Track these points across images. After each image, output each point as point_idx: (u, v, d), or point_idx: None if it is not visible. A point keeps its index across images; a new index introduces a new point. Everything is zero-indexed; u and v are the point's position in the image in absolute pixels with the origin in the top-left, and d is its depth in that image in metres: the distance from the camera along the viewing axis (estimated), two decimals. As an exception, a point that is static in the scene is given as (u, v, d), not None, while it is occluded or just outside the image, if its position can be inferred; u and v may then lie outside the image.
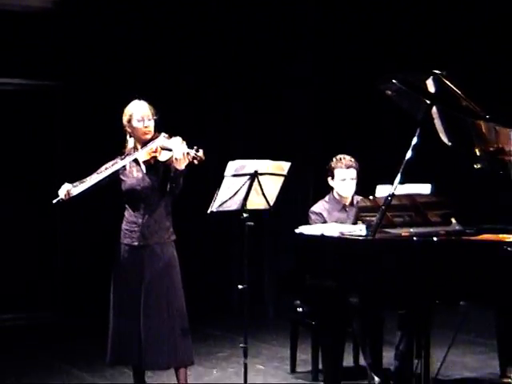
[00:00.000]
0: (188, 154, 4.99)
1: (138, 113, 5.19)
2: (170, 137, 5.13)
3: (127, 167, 5.22)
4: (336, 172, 5.92)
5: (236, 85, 8.52)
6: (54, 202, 5.12)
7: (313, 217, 5.92)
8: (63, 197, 5.11)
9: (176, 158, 5.00)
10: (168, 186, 5.16)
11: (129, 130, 5.22)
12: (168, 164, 5.10)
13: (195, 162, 5.02)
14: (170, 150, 5.03)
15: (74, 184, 5.12)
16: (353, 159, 5.97)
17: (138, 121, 5.18)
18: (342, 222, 5.75)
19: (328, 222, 5.80)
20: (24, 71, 8.06)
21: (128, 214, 5.25)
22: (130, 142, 5.26)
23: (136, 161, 5.21)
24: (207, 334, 7.37)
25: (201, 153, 5.01)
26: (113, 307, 5.22)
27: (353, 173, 5.94)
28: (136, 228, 5.19)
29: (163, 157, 5.10)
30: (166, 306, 5.15)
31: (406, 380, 5.62)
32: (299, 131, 8.63)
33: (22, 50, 8.00)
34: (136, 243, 5.17)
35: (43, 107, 8.20)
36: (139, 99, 5.24)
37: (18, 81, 8.10)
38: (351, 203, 5.98)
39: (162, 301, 5.14)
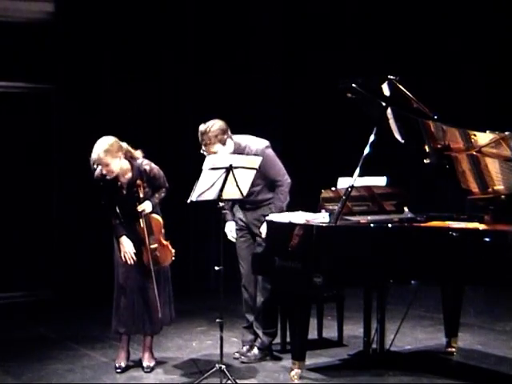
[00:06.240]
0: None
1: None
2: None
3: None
4: None
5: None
6: None
7: None
8: None
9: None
10: None
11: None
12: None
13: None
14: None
15: None
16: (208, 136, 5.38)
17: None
18: None
19: None
20: (24, 75, 7.97)
21: None
22: None
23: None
24: (187, 311, 7.33)
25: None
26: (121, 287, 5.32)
27: (209, 149, 5.37)
28: None
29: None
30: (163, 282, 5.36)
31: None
32: (269, 132, 8.58)
33: (22, 56, 7.91)
34: None
35: (40, 108, 8.10)
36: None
37: (19, 84, 8.01)
38: None
39: (160, 279, 5.32)
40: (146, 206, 5.24)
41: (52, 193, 8.00)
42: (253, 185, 5.19)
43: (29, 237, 8.01)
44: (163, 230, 5.35)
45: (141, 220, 5.21)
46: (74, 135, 7.81)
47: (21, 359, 5.75)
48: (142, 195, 5.22)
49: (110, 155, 5.11)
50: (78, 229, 7.75)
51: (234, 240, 5.64)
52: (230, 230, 5.63)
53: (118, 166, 5.18)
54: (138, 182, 5.23)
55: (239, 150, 5.47)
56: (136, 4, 8.11)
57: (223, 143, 5.41)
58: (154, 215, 5.32)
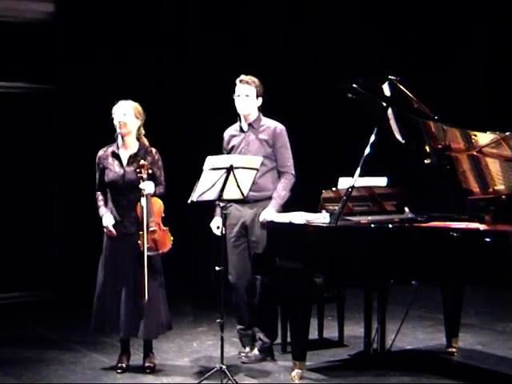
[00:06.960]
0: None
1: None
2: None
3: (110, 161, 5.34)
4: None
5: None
6: None
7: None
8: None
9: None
10: None
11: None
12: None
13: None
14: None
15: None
16: (251, 78, 5.62)
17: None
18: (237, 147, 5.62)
19: (226, 147, 5.69)
20: (24, 75, 7.97)
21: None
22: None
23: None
24: (188, 311, 7.35)
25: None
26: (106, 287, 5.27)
27: (246, 89, 5.58)
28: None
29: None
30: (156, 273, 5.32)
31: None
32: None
33: (22, 56, 7.91)
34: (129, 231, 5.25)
35: (40, 108, 8.11)
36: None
37: (18, 84, 8.01)
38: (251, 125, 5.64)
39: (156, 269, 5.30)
40: (148, 185, 5.19)
41: (52, 193, 8.00)
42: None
43: (29, 237, 8.01)
44: (163, 215, 5.30)
45: (141, 198, 5.15)
46: (74, 136, 7.81)
47: (21, 359, 5.75)
48: (145, 176, 5.17)
49: (134, 111, 5.30)
50: (78, 229, 7.74)
51: (218, 234, 5.51)
52: (217, 225, 5.53)
53: (132, 125, 5.28)
54: (142, 162, 5.19)
55: (257, 122, 5.63)
56: (136, 4, 8.11)
57: (257, 95, 5.61)
58: (156, 198, 5.27)
